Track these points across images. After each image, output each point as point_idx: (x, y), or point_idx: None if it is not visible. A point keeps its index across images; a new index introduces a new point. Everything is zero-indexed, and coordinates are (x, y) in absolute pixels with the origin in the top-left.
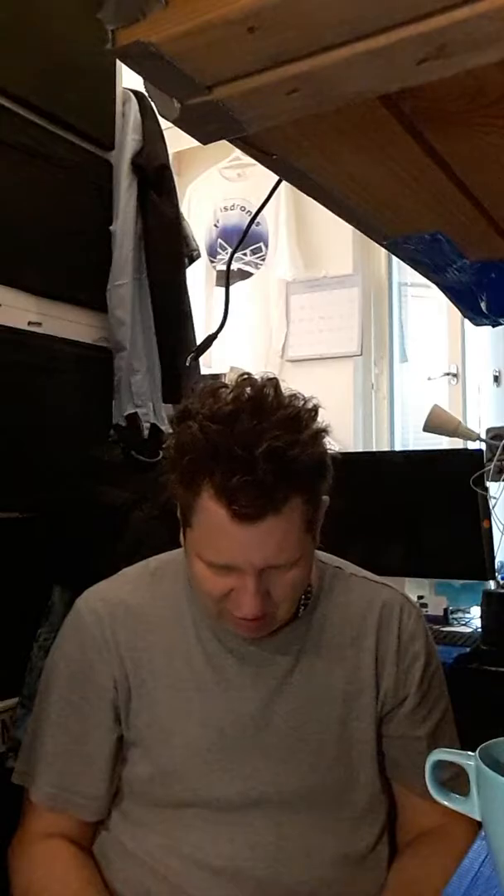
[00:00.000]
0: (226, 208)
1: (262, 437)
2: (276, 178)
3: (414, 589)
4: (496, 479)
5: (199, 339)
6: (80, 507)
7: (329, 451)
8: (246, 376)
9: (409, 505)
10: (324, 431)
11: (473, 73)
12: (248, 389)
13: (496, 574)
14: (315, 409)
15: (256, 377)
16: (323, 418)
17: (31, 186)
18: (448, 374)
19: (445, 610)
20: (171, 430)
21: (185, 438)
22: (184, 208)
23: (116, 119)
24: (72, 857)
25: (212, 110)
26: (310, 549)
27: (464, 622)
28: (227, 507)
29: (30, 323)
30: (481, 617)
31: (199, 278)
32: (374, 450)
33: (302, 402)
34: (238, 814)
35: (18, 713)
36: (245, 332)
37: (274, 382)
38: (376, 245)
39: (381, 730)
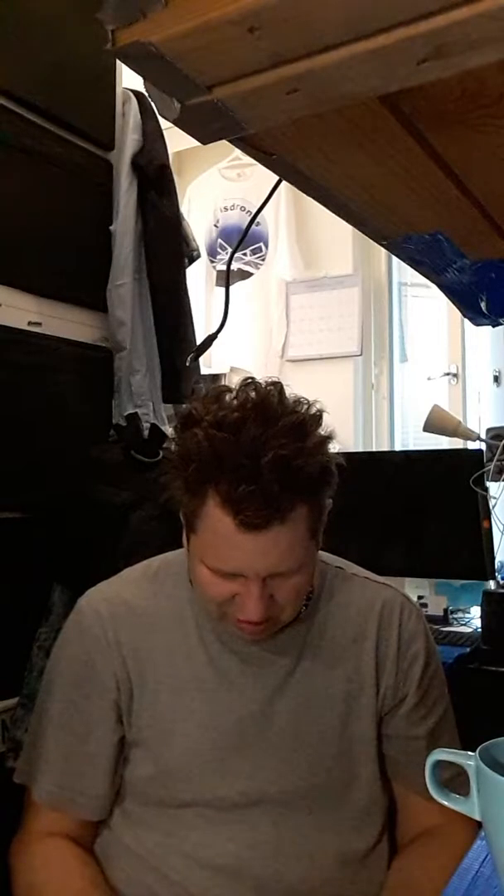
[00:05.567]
0: (226, 208)
1: (268, 446)
2: (276, 178)
3: (414, 589)
4: (496, 479)
5: (199, 339)
6: (80, 507)
7: (334, 457)
8: (250, 380)
9: (409, 505)
10: (329, 438)
11: (473, 73)
12: (253, 394)
13: (496, 574)
14: (320, 415)
15: (260, 381)
16: (328, 423)
17: (31, 186)
18: (448, 374)
19: (445, 610)
20: (172, 432)
21: (189, 446)
22: (184, 208)
23: (116, 119)
24: (73, 857)
25: (212, 110)
26: (313, 554)
27: (464, 622)
28: (232, 516)
29: (30, 323)
30: (481, 617)
31: (199, 278)
32: (374, 450)
33: (306, 408)
34: (239, 813)
35: (18, 713)
36: (245, 332)
37: (278, 387)
38: (376, 245)
39: (382, 729)
